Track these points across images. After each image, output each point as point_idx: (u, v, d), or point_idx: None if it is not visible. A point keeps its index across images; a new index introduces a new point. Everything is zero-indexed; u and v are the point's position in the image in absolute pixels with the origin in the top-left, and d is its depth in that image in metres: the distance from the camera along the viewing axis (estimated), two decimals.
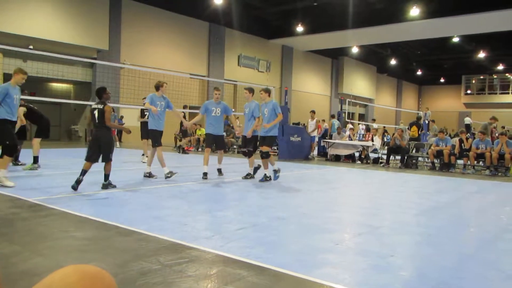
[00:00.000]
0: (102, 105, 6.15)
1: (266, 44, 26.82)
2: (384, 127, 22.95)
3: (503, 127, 17.48)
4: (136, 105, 16.75)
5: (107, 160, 6.25)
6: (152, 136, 7.67)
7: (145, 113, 10.12)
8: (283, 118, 13.74)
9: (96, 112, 6.14)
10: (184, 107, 15.06)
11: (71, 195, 5.67)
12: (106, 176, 6.37)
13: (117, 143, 17.13)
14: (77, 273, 0.77)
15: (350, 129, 15.36)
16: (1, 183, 6.09)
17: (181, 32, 21.98)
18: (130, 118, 19.33)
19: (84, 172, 6.01)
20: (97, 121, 6.15)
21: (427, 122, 21.93)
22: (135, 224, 4.12)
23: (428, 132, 18.21)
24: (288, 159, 13.07)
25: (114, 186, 6.45)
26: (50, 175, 7.83)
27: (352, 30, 22.26)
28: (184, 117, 14.72)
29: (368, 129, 16.60)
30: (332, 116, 16.53)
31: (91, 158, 6.12)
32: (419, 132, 14.86)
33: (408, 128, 14.79)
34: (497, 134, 13.36)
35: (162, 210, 4.93)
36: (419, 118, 15.61)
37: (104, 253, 3.26)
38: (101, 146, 6.16)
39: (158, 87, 7.66)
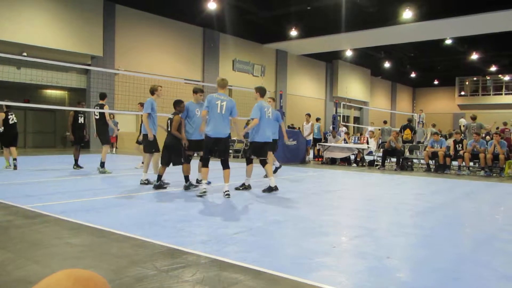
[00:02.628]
0: (173, 115, 6.99)
1: (260, 48, 26.88)
2: (379, 129, 23.02)
3: (497, 128, 17.62)
4: (131, 111, 16.77)
5: (178, 163, 6.98)
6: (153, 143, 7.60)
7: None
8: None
9: (168, 121, 7.06)
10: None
11: (65, 202, 5.64)
12: (186, 178, 7.03)
13: (114, 149, 17.06)
14: (70, 278, 0.77)
15: (345, 133, 15.39)
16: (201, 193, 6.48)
17: (175, 37, 21.99)
18: (125, 124, 19.29)
19: (159, 177, 6.96)
20: (168, 129, 7.02)
21: (421, 124, 22.00)
22: (131, 230, 4.10)
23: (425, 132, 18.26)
24: (284, 163, 13.06)
25: (196, 186, 7.06)
26: (45, 182, 7.79)
27: (345, 34, 22.36)
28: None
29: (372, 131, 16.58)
30: (317, 120, 16.50)
31: (163, 162, 6.99)
32: (412, 135, 14.90)
33: (400, 131, 14.82)
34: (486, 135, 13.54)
35: (158, 216, 4.91)
36: (410, 121, 15.67)
37: (100, 260, 3.24)
38: (170, 151, 6.92)
39: (153, 91, 7.63)
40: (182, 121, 7.10)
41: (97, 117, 9.66)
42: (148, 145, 7.58)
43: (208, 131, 6.34)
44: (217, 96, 6.37)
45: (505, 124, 17.60)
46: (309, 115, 15.27)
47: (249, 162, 7.36)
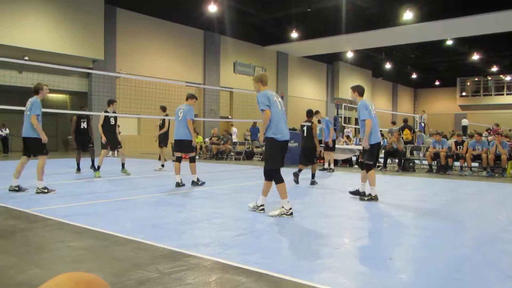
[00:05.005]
0: (310, 123, 8.49)
1: (261, 50, 26.92)
2: (380, 130, 23.03)
3: (489, 130, 17.69)
4: (133, 114, 16.80)
5: (312, 162, 8.52)
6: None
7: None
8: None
9: (305, 128, 8.51)
10: (165, 114, 14.73)
11: (67, 206, 5.65)
12: (313, 175, 8.56)
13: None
14: (72, 281, 0.77)
15: (346, 136, 15.38)
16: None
17: (176, 40, 22.04)
18: (126, 127, 19.32)
19: (299, 171, 8.38)
20: (305, 134, 8.48)
21: (423, 125, 22.00)
22: (133, 232, 4.10)
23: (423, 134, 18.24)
24: (285, 165, 13.04)
25: (316, 183, 8.43)
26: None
27: (346, 35, 22.38)
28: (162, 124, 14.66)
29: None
30: (319, 122, 16.44)
31: (303, 163, 8.53)
32: (412, 134, 14.85)
33: (399, 133, 14.83)
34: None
35: (159, 218, 4.91)
36: (405, 121, 15.65)
37: (102, 263, 3.24)
38: (308, 153, 8.44)
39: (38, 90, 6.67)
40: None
41: (101, 123, 10.36)
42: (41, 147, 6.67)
43: (276, 134, 5.13)
44: (271, 92, 5.38)
45: (497, 125, 17.58)
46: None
47: (370, 168, 6.46)
